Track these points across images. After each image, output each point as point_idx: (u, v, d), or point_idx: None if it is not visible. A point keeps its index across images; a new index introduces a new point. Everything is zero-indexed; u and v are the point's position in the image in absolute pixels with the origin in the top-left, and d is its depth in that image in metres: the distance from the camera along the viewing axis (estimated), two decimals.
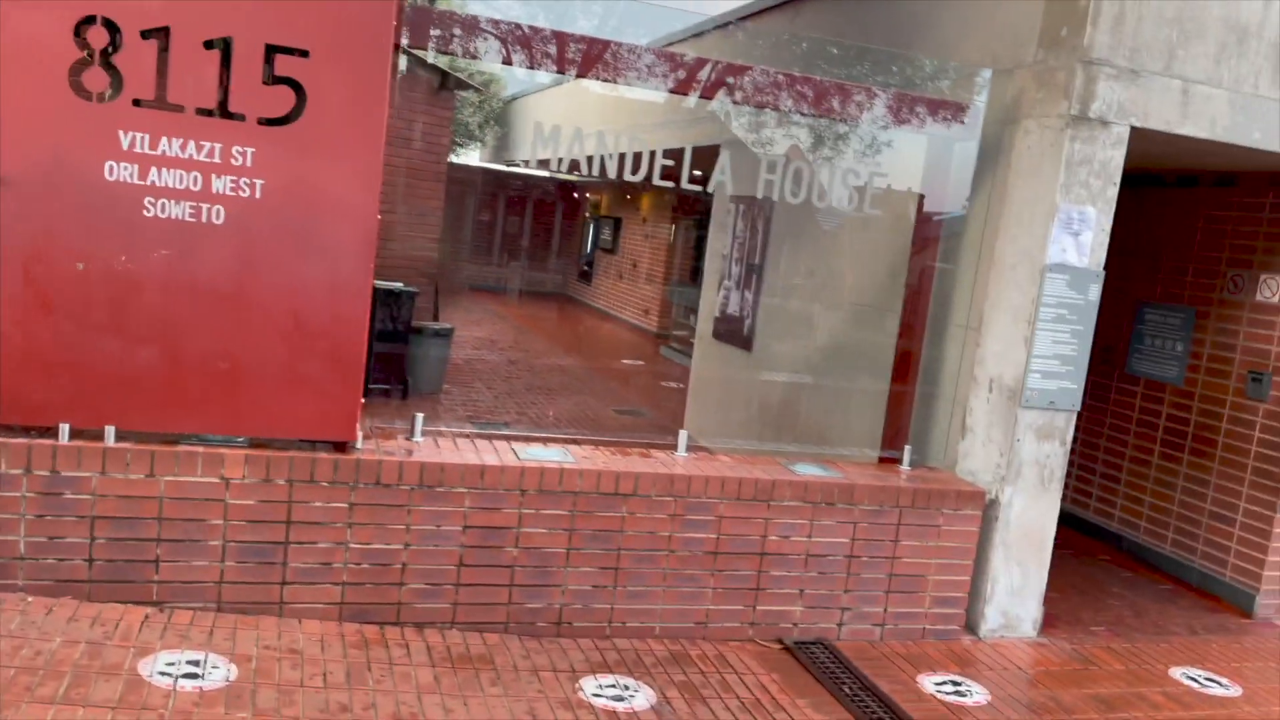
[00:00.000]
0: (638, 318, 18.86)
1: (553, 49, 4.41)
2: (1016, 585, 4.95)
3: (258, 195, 3.72)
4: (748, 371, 8.08)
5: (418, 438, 4.34)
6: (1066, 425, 4.89)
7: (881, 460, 5.28)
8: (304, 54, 3.69)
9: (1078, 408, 4.90)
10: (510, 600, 4.21)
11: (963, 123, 4.97)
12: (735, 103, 4.70)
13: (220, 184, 3.68)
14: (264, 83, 3.67)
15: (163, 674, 3.31)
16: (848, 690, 4.15)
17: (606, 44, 4.45)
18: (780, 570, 4.54)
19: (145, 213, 3.62)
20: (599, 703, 3.71)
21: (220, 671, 3.41)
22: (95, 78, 3.50)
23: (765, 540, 4.50)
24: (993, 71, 5.07)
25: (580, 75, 4.56)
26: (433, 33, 4.17)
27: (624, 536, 4.31)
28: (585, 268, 23.07)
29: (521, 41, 4.30)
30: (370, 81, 3.77)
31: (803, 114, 4.98)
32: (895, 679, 4.33)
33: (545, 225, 23.24)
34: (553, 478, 4.18)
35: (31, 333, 3.58)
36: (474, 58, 4.41)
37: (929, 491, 4.72)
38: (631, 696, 3.80)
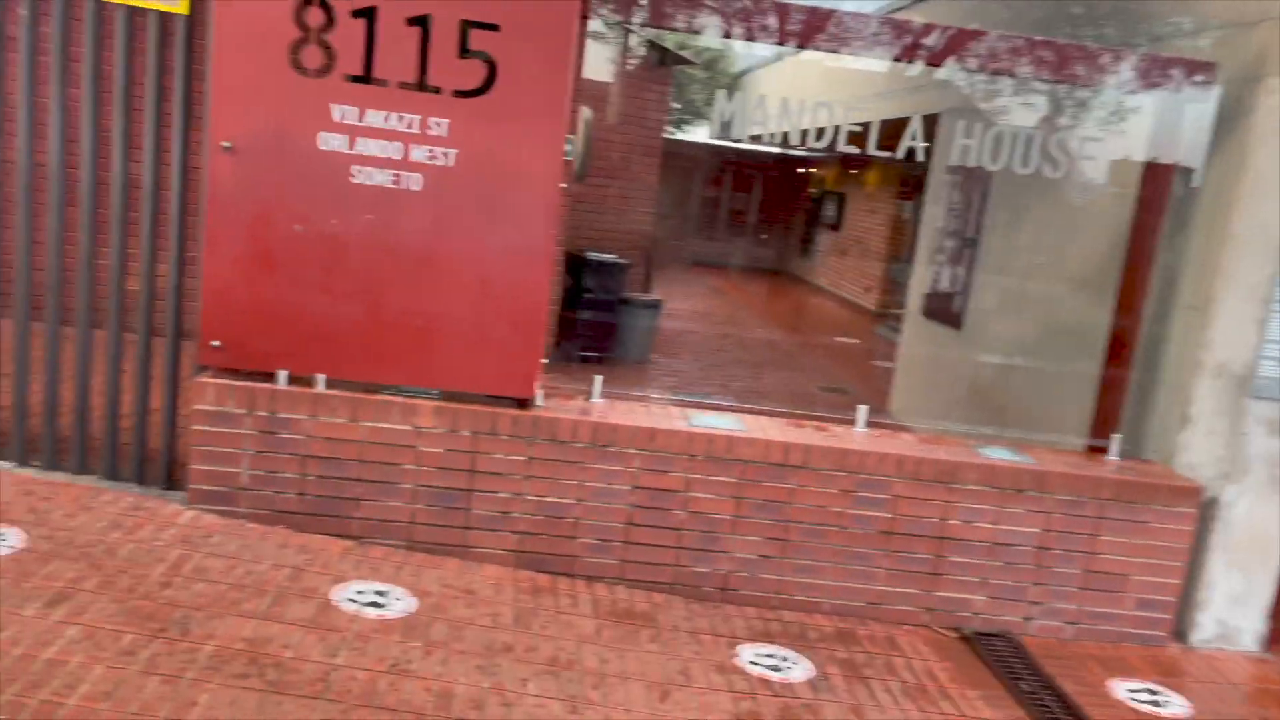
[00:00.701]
0: (858, 295, 18.43)
1: (771, 20, 4.38)
2: (1237, 593, 4.48)
3: (451, 163, 3.95)
4: (956, 350, 7.73)
5: (596, 399, 4.48)
6: None
7: (1090, 449, 4.90)
8: (495, 28, 3.87)
9: None
10: (677, 562, 4.28)
11: (1213, 83, 4.49)
12: (968, 70, 4.47)
13: (418, 153, 3.94)
14: (459, 56, 3.88)
15: (351, 601, 3.63)
16: (1026, 687, 3.92)
17: (829, 13, 4.36)
18: (961, 556, 4.35)
19: (352, 179, 3.94)
20: (754, 670, 3.71)
21: (402, 604, 3.69)
22: (312, 55, 3.84)
23: (945, 524, 4.32)
24: (1234, 26, 4.54)
25: (801, 46, 4.50)
26: (641, 5, 4.21)
27: (793, 508, 4.27)
28: (808, 244, 22.76)
29: (740, 14, 4.28)
30: (556, 53, 3.90)
31: (1043, 80, 4.68)
32: (1082, 681, 4.05)
33: (768, 201, 23.12)
34: (721, 445, 4.20)
35: (256, 288, 3.99)
36: (692, 32, 4.44)
37: (1135, 484, 4.35)
38: (789, 668, 3.78)
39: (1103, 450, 4.73)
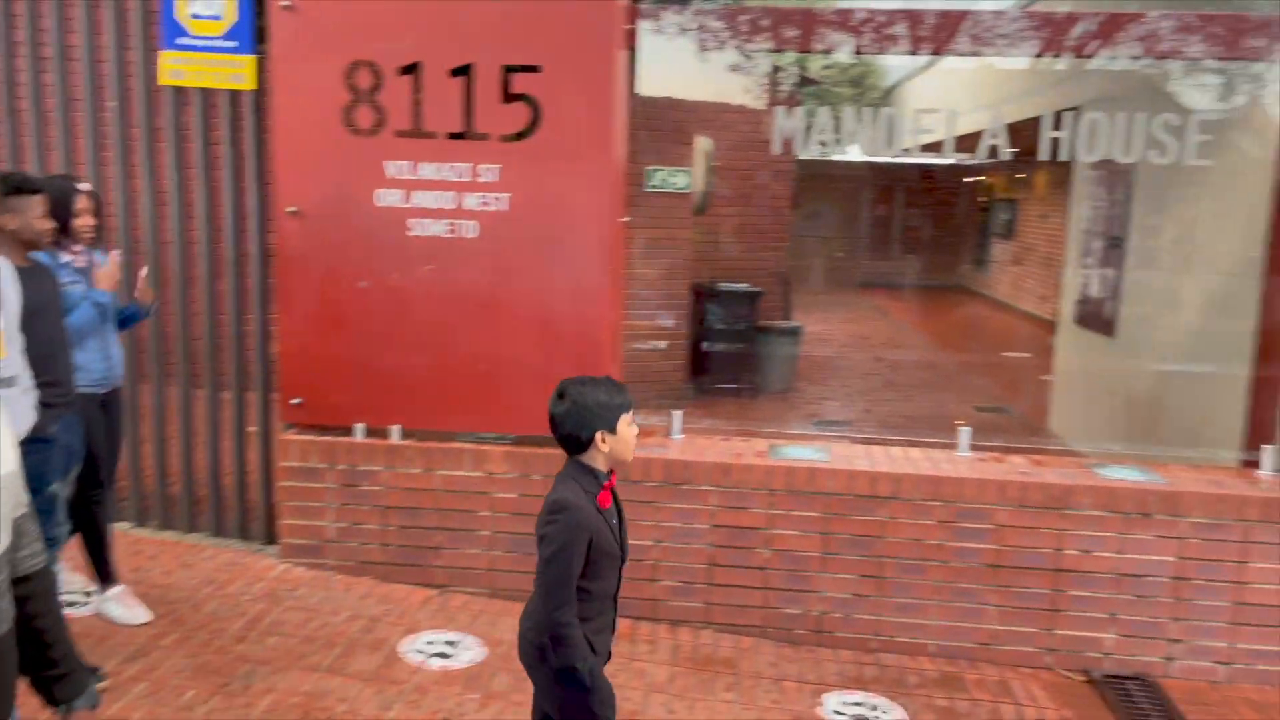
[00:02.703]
0: (1035, 306, 17.35)
1: (900, 29, 4.19)
2: None
3: (505, 208, 3.96)
4: (1110, 360, 7.08)
5: (676, 435, 4.34)
6: None
7: (1244, 464, 4.33)
8: (536, 69, 3.86)
9: None
10: (765, 604, 4.06)
11: None
12: (1121, 57, 4.12)
13: (471, 200, 3.97)
14: (502, 102, 3.89)
15: (418, 651, 3.63)
16: None
17: (962, 15, 4.13)
18: (1082, 590, 3.90)
19: (409, 232, 4.01)
20: None
21: (470, 653, 3.66)
22: (364, 115, 3.95)
23: (1060, 555, 3.89)
24: None
25: (937, 53, 4.30)
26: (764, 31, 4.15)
27: (885, 543, 3.97)
28: (981, 256, 21.70)
29: (864, 27, 4.14)
30: (598, 88, 3.85)
31: (1220, 59, 4.24)
32: None
33: (934, 215, 22.23)
34: (802, 477, 3.97)
35: (329, 345, 4.11)
36: (821, 52, 4.33)
37: None
38: (878, 718, 3.48)
39: (1256, 465, 4.17)
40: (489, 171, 3.95)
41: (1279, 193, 4.27)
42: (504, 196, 3.96)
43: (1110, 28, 4.00)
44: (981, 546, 3.93)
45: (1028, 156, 4.24)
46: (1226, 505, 3.81)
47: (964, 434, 4.27)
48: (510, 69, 3.87)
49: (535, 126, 3.90)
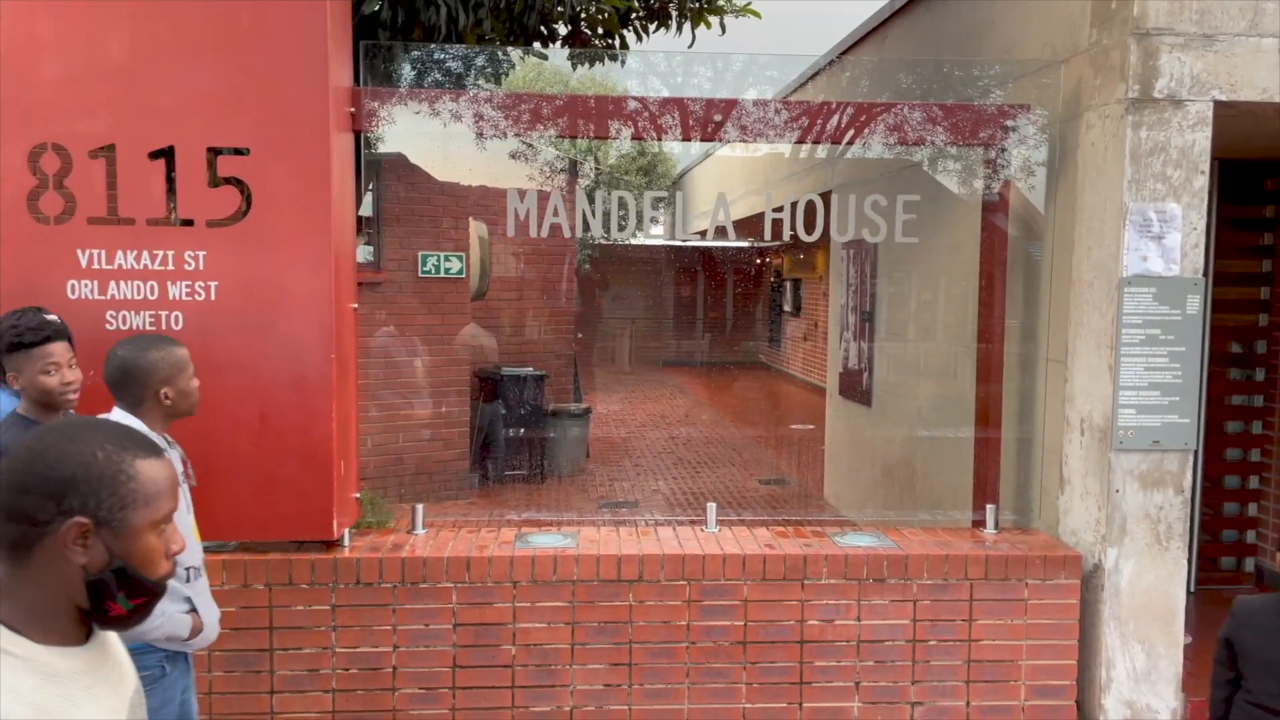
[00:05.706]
0: (820, 379, 18.17)
1: (671, 118, 4.25)
2: (1140, 669, 4.05)
3: (213, 297, 3.70)
4: (870, 429, 7.41)
5: (419, 530, 4.13)
6: (1182, 469, 4.01)
7: (975, 523, 4.54)
8: (244, 152, 3.67)
9: (1193, 446, 4.01)
10: (514, 703, 3.87)
11: (1031, 125, 4.29)
12: (830, 143, 4.32)
13: (176, 290, 3.69)
14: (210, 186, 3.67)
15: None
16: None
17: (731, 103, 4.23)
18: (826, 660, 3.94)
19: (108, 326, 3.67)
20: None
21: None
22: (51, 202, 3.62)
23: (804, 626, 3.92)
24: (1050, 64, 4.39)
25: (706, 140, 4.39)
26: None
27: (634, 628, 3.88)
28: (773, 333, 22.64)
29: (635, 116, 4.20)
30: (312, 171, 3.69)
31: (958, 146, 4.51)
32: None
33: (727, 295, 23.10)
34: (546, 566, 3.84)
35: None
36: (599, 138, 4.39)
37: (1005, 559, 3.98)
38: None
39: (984, 524, 4.38)
40: (195, 259, 3.69)
41: (985, 266, 4.59)
42: (212, 285, 3.70)
43: (864, 117, 4.23)
44: (729, 624, 3.90)
45: (776, 239, 4.43)
46: (951, 565, 3.96)
47: (711, 510, 4.27)
48: (217, 151, 3.67)
49: (246, 211, 3.69)
